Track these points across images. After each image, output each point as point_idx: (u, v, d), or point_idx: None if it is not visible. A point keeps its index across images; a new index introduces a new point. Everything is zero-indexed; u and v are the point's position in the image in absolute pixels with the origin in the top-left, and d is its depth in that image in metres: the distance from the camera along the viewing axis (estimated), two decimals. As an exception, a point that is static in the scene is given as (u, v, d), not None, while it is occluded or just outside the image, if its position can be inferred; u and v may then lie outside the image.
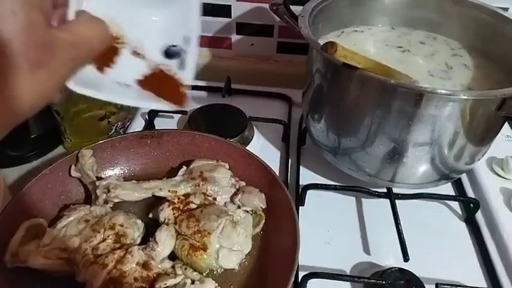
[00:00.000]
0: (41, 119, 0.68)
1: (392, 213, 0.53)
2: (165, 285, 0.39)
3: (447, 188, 0.60)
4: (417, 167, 0.53)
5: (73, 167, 0.49)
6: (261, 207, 0.48)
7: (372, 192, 0.55)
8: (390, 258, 0.51)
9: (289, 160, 0.64)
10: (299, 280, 0.46)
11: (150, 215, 0.48)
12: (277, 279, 0.41)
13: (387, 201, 0.55)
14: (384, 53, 0.60)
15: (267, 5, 0.78)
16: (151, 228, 0.47)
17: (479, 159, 0.55)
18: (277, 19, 0.79)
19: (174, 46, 0.35)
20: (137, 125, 0.70)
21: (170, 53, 0.35)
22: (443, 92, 0.43)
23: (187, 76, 0.35)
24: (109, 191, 0.46)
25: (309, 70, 0.56)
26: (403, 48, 0.62)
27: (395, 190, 0.56)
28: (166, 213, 0.46)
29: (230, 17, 0.82)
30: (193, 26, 0.36)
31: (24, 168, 0.67)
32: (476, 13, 0.60)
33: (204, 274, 0.43)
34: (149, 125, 0.69)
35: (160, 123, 0.71)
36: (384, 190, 0.56)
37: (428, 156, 0.51)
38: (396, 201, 0.54)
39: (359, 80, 0.47)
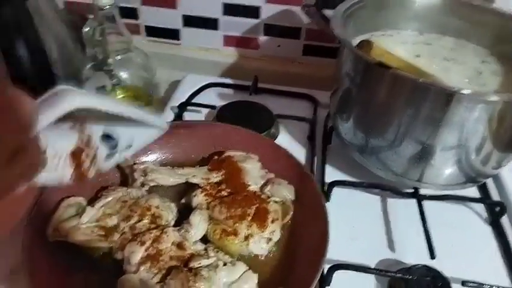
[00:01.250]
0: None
1: (418, 213, 0.54)
2: (199, 265, 0.41)
3: (471, 190, 0.61)
4: (444, 168, 0.53)
5: (111, 151, 0.51)
6: (290, 199, 0.49)
7: (399, 191, 0.56)
8: (415, 256, 0.51)
9: (315, 158, 0.65)
10: (325, 272, 0.47)
11: (183, 201, 0.50)
12: (306, 269, 0.42)
13: (412, 201, 0.56)
14: (413, 57, 0.61)
15: (295, 7, 0.81)
16: (183, 214, 0.49)
17: (505, 165, 0.55)
18: (305, 21, 0.82)
19: (112, 139, 0.36)
20: (167, 117, 0.72)
21: (105, 140, 0.35)
22: (474, 93, 0.44)
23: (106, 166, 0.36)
24: (146, 175, 0.48)
25: (339, 69, 0.57)
26: (432, 53, 0.63)
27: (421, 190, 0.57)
28: (199, 198, 0.48)
29: (258, 18, 0.84)
30: (136, 147, 0.38)
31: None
32: (505, 21, 0.61)
33: (235, 258, 0.44)
34: (179, 118, 0.71)
35: (188, 117, 0.72)
36: (411, 190, 0.57)
37: (456, 158, 0.51)
38: (422, 201, 0.55)
39: (392, 80, 0.48)
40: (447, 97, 0.45)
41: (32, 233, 0.41)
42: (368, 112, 0.54)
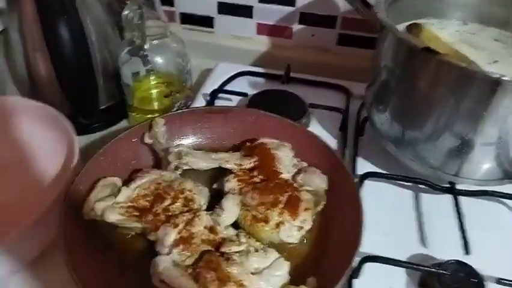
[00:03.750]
0: (111, 91, 0.72)
1: (452, 208, 0.52)
2: (230, 250, 0.41)
3: (509, 187, 0.58)
4: (483, 163, 0.51)
5: (146, 134, 0.52)
6: (323, 188, 0.49)
7: (435, 185, 0.55)
8: (448, 252, 0.49)
9: (346, 150, 0.64)
10: (355, 264, 0.46)
11: (215, 186, 0.50)
12: (338, 260, 0.41)
13: (446, 196, 0.54)
14: (457, 47, 0.59)
15: (333, -5, 0.79)
16: (214, 199, 0.49)
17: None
18: (342, 9, 0.80)
19: None
20: (199, 104, 0.73)
21: None
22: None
23: None
24: (180, 158, 0.48)
25: (379, 57, 0.56)
26: (475, 44, 0.60)
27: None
28: (231, 184, 0.48)
29: (294, 5, 0.83)
30: None
31: (88, 138, 0.71)
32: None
33: (265, 245, 0.44)
34: (210, 105, 0.71)
35: (219, 105, 0.73)
36: (446, 184, 0.55)
37: (496, 153, 0.49)
38: (458, 197, 0.53)
39: (437, 66, 0.46)
40: (493, 86, 0.43)
41: (69, 211, 0.43)
42: (407, 102, 0.52)
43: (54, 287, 0.49)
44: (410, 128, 0.54)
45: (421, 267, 0.46)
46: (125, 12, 0.66)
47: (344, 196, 0.46)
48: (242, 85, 0.78)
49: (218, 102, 0.73)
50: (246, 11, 0.86)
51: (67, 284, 0.48)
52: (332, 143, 0.66)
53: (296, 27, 0.86)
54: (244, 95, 0.71)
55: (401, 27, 0.63)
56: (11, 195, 0.59)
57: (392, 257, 0.48)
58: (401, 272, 0.48)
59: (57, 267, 0.50)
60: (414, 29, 0.41)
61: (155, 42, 0.67)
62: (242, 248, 0.41)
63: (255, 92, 0.72)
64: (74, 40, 0.59)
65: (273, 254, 0.41)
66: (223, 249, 0.41)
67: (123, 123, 0.76)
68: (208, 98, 0.73)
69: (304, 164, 0.52)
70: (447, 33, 0.62)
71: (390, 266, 0.46)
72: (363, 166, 0.61)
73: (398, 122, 0.55)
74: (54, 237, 0.49)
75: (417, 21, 0.63)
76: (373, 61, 0.61)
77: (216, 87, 0.75)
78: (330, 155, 0.50)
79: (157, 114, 0.71)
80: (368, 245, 0.49)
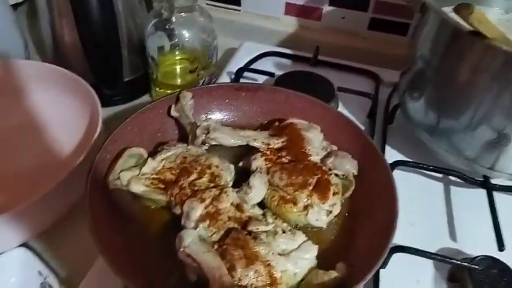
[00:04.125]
0: (135, 64, 0.71)
1: (486, 202, 0.50)
2: (257, 230, 0.39)
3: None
4: (522, 157, 0.49)
5: (173, 106, 0.51)
6: (353, 173, 0.47)
7: (468, 178, 0.52)
8: (479, 248, 0.48)
9: (374, 137, 0.62)
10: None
11: (240, 164, 0.49)
12: (368, 249, 0.40)
13: (478, 189, 0.52)
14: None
15: (369, -24, 0.76)
16: (238, 178, 0.47)
17: None
18: (376, -8, 0.77)
19: None
20: (223, 81, 0.71)
21: None
22: None
23: None
24: (208, 132, 0.47)
25: (418, 41, 0.53)
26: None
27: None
28: (258, 162, 0.46)
29: (326, -14, 0.80)
30: None
31: (110, 110, 0.70)
32: None
33: (292, 227, 0.43)
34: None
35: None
36: (479, 178, 0.53)
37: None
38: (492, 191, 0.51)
39: (483, 51, 0.44)
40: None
41: (94, 178, 0.42)
42: (446, 90, 0.50)
43: (71, 255, 0.48)
44: (446, 117, 0.51)
45: (453, 261, 0.44)
46: (155, -18, 0.64)
47: (376, 183, 0.44)
48: (268, 65, 0.76)
49: (243, 81, 0.71)
50: (275, -10, 0.84)
51: (82, 253, 0.48)
52: (360, 129, 0.64)
53: (326, 8, 0.83)
54: (271, 74, 0.69)
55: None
56: (32, 160, 0.59)
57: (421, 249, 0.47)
58: (429, 264, 0.47)
59: (76, 235, 0.50)
60: (463, 10, 0.39)
61: (182, 15, 0.66)
62: (269, 228, 0.40)
63: (281, 72, 0.70)
64: (101, 8, 0.58)
65: (301, 237, 0.40)
66: (250, 228, 0.39)
67: (145, 98, 0.75)
68: (233, 76, 0.71)
69: (334, 148, 0.50)
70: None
71: (419, 257, 0.45)
72: (392, 155, 0.59)
73: (434, 110, 0.52)
74: (74, 203, 0.49)
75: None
76: (410, 46, 0.58)
77: (241, 65, 0.73)
78: (363, 140, 0.48)
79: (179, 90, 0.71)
80: (396, 235, 0.47)
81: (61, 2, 0.63)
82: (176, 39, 0.68)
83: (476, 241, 0.49)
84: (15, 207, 0.41)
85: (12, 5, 0.86)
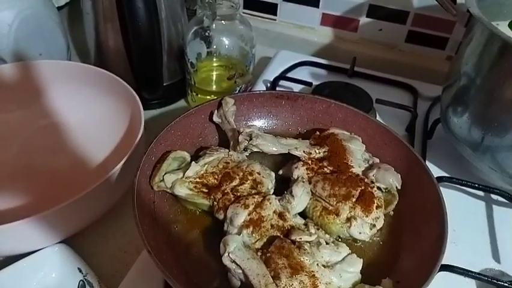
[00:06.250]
0: (173, 69, 0.72)
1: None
2: (300, 239, 0.39)
3: None
4: None
5: (215, 112, 0.51)
6: (396, 187, 0.46)
7: (513, 197, 0.51)
8: (525, 271, 0.46)
9: (414, 151, 0.61)
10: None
11: (281, 172, 0.49)
12: (415, 268, 0.39)
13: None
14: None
15: (410, -12, 0.75)
16: (278, 186, 0.47)
17: None
18: (415, 6, 0.77)
19: None
20: (259, 89, 0.71)
21: None
22: None
23: None
24: (251, 139, 0.47)
25: (463, 56, 0.53)
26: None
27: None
28: (300, 171, 0.46)
29: (365, -3, 0.80)
30: None
31: (148, 113, 0.72)
32: None
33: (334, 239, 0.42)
34: (271, 91, 0.70)
35: (281, 92, 0.71)
36: (525, 198, 0.51)
37: None
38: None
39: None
40: None
41: (141, 179, 0.42)
42: (492, 105, 0.49)
43: (110, 254, 0.49)
44: (491, 134, 0.50)
45: (499, 282, 0.42)
46: (199, -11, 0.65)
47: (422, 199, 0.44)
48: (304, 75, 0.76)
49: (281, 89, 0.71)
50: (312, 0, 0.84)
51: (121, 253, 0.48)
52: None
53: (363, 20, 0.82)
54: (308, 84, 0.69)
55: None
56: (74, 159, 0.60)
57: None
58: (471, 284, 0.45)
59: (116, 235, 0.51)
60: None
61: (223, 22, 0.66)
62: (313, 238, 0.39)
63: (317, 82, 0.70)
64: (147, 14, 0.59)
65: (345, 249, 0.39)
66: (293, 237, 0.39)
67: (180, 103, 0.76)
68: (269, 84, 0.72)
69: (377, 160, 0.49)
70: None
71: (462, 277, 0.44)
72: (432, 170, 0.58)
73: (479, 126, 0.51)
74: (114, 204, 0.50)
75: (500, 22, 0.60)
76: (454, 61, 0.57)
77: (277, 74, 0.73)
78: (408, 153, 0.47)
79: (214, 97, 0.71)
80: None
81: (107, 7, 0.64)
82: (215, 46, 0.68)
83: (522, 263, 0.47)
84: (56, 206, 0.42)
85: (58, 7, 0.89)
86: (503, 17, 0.60)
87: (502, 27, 0.60)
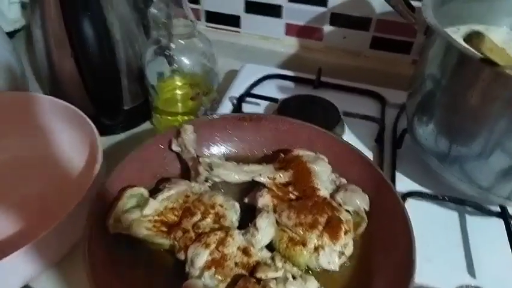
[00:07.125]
0: (135, 92, 0.69)
1: (504, 234, 0.48)
2: (266, 277, 0.37)
3: None
4: (540, 186, 0.47)
5: (173, 141, 0.49)
6: (364, 209, 0.45)
7: (485, 209, 0.50)
8: (500, 285, 0.45)
9: (384, 163, 0.60)
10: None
11: (246, 200, 0.47)
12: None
13: (495, 220, 0.50)
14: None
15: (368, -4, 0.75)
16: (245, 214, 0.45)
17: None
18: (376, 11, 0.76)
19: None
20: (225, 108, 0.69)
21: None
22: None
23: None
24: (211, 169, 0.45)
25: (424, 65, 0.52)
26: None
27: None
28: (265, 199, 0.44)
29: (325, 6, 0.78)
30: None
31: (110, 139, 0.69)
32: None
33: (302, 271, 0.40)
34: (237, 109, 0.68)
35: (247, 110, 0.69)
36: (496, 208, 0.51)
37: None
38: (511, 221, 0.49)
39: (494, 79, 0.42)
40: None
41: (94, 222, 0.40)
42: (457, 115, 0.48)
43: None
44: (458, 144, 0.49)
45: (474, 301, 0.41)
46: (152, 10, 0.63)
47: (389, 219, 0.42)
48: (270, 88, 0.74)
49: (246, 106, 0.69)
50: (274, 11, 0.82)
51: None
52: (368, 155, 0.62)
53: (327, 28, 0.81)
54: (274, 100, 0.67)
55: (449, 31, 0.58)
56: (33, 194, 0.57)
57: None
58: (448, 304, 0.44)
59: (78, 275, 0.48)
60: (474, 38, 0.37)
61: (182, 41, 0.64)
62: (279, 274, 0.37)
63: (283, 96, 0.68)
64: (98, 37, 0.56)
65: (313, 284, 0.37)
66: (258, 275, 0.37)
67: (145, 125, 0.73)
68: (235, 101, 0.70)
69: (344, 181, 0.48)
70: (494, 41, 0.57)
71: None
72: (402, 180, 0.57)
73: (445, 136, 0.50)
74: (76, 242, 0.47)
75: (461, 27, 0.59)
76: (416, 68, 0.57)
77: (242, 90, 0.72)
78: (374, 173, 0.46)
79: (180, 117, 0.69)
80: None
81: (57, 32, 0.61)
82: (176, 65, 0.66)
83: (498, 277, 0.46)
84: (13, 251, 0.39)
85: (9, 33, 0.85)
86: (463, 21, 0.60)
87: (463, 31, 0.60)
